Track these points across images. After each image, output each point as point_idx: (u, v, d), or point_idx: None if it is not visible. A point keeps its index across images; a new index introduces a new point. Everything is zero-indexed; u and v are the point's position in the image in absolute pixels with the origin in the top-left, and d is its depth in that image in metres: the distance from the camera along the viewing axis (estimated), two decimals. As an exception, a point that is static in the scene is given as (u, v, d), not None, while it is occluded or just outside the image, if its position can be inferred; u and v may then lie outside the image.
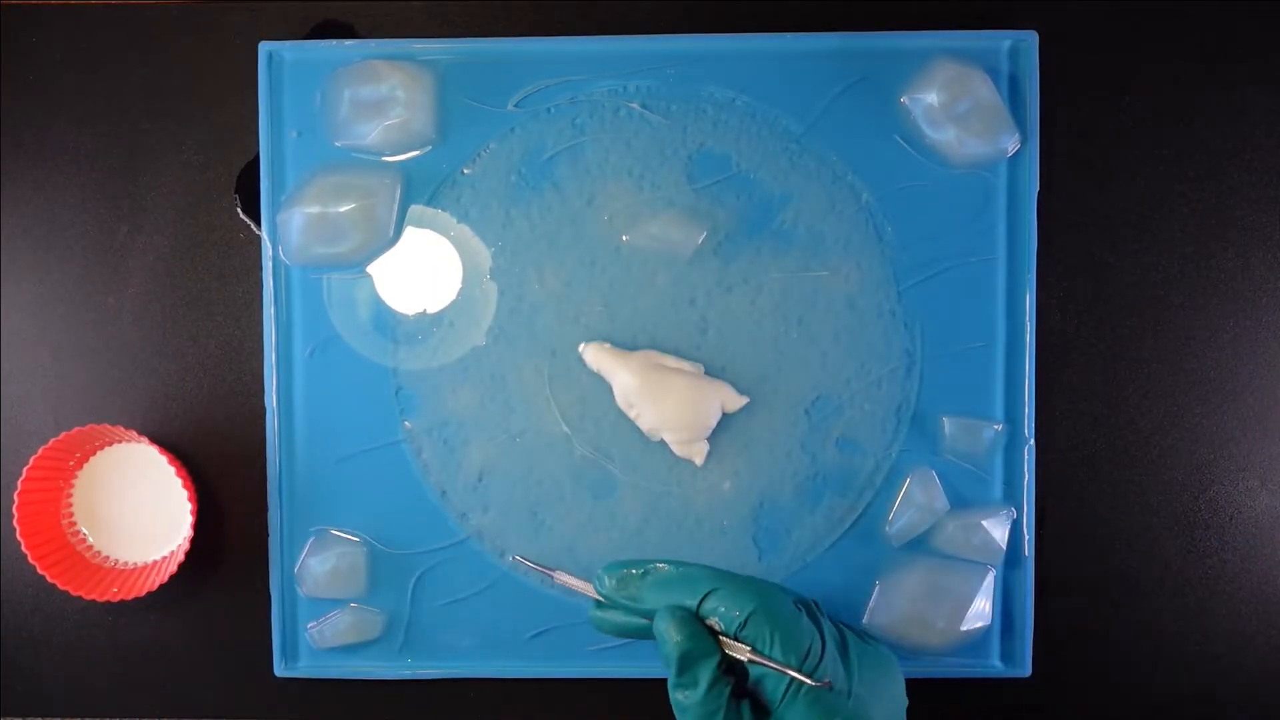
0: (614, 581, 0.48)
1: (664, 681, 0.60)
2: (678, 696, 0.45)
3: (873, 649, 0.48)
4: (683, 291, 0.60)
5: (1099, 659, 0.61)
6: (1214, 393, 0.61)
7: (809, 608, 0.47)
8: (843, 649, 0.47)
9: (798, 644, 0.45)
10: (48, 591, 0.59)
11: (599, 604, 0.49)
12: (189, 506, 0.58)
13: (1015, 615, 0.60)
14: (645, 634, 0.48)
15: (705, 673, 0.45)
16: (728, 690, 0.45)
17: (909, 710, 0.49)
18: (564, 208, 0.60)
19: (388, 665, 0.60)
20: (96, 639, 0.62)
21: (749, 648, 0.45)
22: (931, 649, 0.59)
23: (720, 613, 0.45)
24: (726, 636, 0.45)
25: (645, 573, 0.48)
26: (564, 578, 0.50)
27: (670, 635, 0.45)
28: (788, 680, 0.44)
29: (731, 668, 0.46)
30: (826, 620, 0.47)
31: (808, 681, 0.44)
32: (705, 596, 0.46)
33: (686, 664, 0.45)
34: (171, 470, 0.59)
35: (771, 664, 0.44)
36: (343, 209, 0.58)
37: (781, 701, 0.44)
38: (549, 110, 0.60)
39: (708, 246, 0.59)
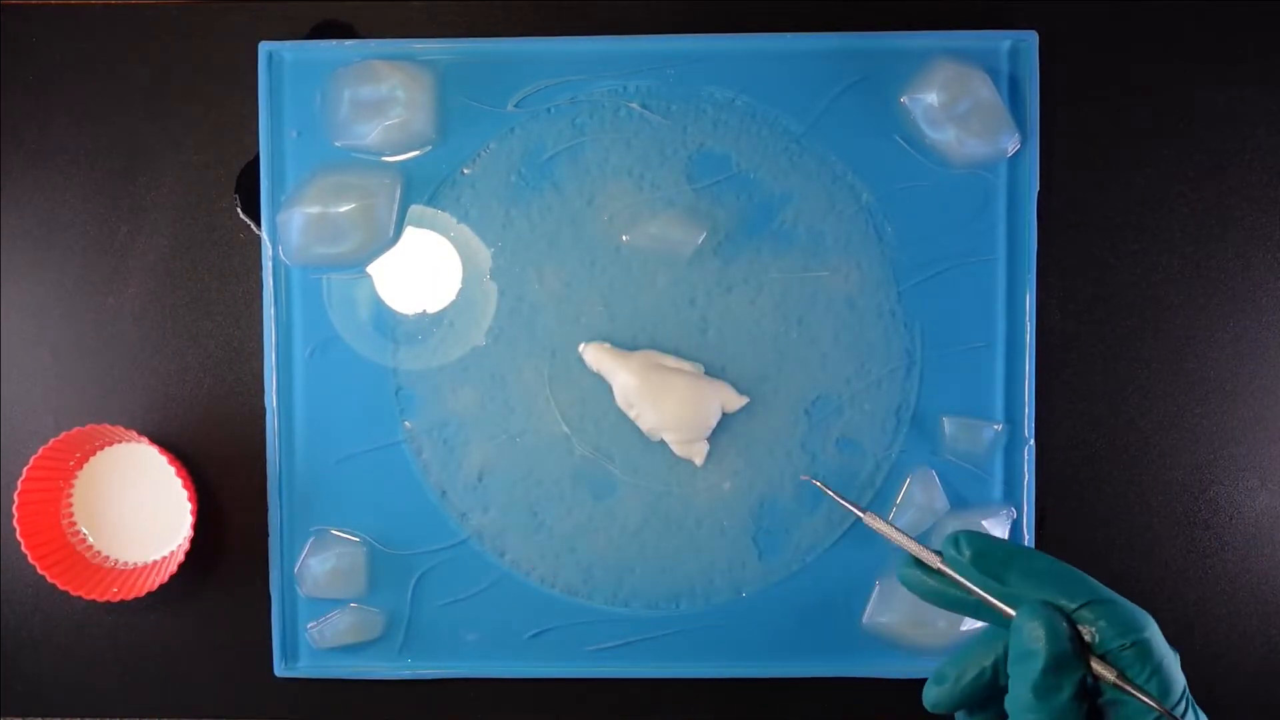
0: (971, 552, 0.44)
1: (660, 683, 0.60)
2: (1031, 697, 0.42)
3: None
4: (683, 291, 0.60)
5: (1099, 659, 0.61)
6: (1214, 393, 0.61)
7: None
8: (1194, 705, 0.44)
9: (1174, 685, 0.41)
10: (48, 591, 0.59)
11: (915, 562, 0.45)
12: (189, 506, 0.58)
13: (1015, 615, 0.60)
14: (963, 609, 0.44)
15: (1070, 682, 0.41)
16: (1085, 707, 0.42)
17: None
18: (564, 208, 0.60)
19: (388, 665, 0.60)
20: (96, 639, 0.62)
21: (1117, 671, 0.41)
22: (931, 649, 0.59)
23: (1101, 627, 0.42)
24: (1095, 653, 0.42)
25: (1011, 555, 0.44)
26: (876, 522, 0.46)
27: (1044, 633, 0.41)
28: (1153, 717, 0.41)
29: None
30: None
31: None
32: (1085, 604, 0.42)
33: (1053, 667, 0.41)
34: (171, 470, 0.59)
35: (1147, 698, 0.41)
36: (343, 209, 0.58)
37: None
38: (549, 110, 0.60)
39: (708, 246, 0.59)
